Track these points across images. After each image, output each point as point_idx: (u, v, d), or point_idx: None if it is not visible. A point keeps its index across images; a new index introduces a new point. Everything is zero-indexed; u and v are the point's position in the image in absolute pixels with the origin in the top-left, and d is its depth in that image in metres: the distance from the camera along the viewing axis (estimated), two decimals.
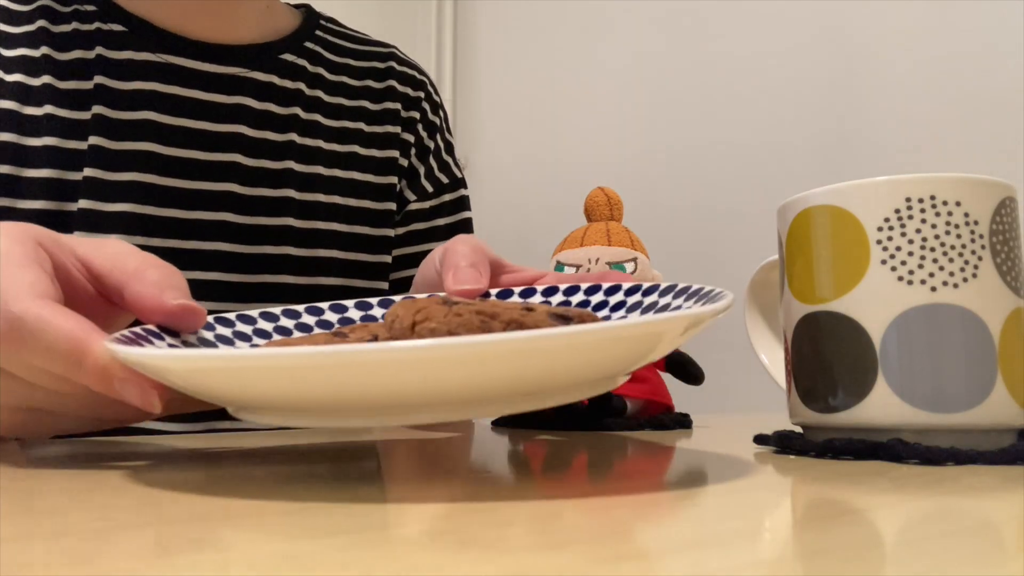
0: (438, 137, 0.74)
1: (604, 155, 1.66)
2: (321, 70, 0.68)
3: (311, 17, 0.72)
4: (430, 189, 0.72)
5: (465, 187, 0.75)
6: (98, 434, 0.54)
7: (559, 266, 0.56)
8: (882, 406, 0.33)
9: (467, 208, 0.75)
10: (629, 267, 0.54)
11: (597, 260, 0.54)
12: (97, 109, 0.58)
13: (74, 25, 0.60)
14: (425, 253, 0.70)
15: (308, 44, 0.69)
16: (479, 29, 1.94)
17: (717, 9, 1.51)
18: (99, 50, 0.60)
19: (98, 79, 0.59)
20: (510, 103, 1.86)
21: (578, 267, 0.55)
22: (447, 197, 0.73)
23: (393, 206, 0.69)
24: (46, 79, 0.58)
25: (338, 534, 0.17)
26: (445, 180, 0.73)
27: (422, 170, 0.72)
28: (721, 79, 1.49)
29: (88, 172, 0.57)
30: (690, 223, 1.50)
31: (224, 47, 0.64)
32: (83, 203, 0.56)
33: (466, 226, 0.74)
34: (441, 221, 0.72)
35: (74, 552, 0.16)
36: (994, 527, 0.19)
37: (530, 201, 1.77)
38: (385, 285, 0.69)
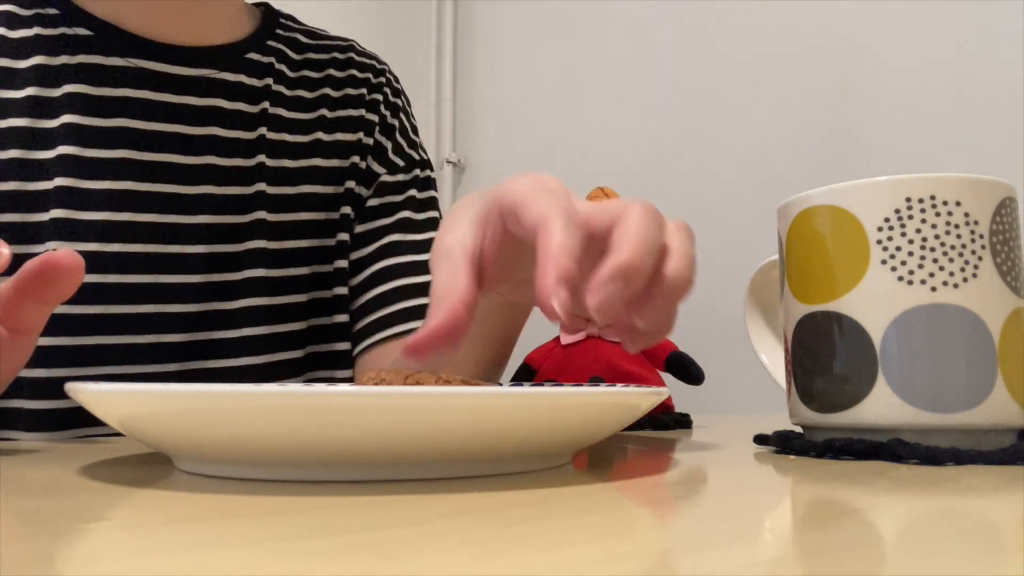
0: (402, 116, 0.74)
1: (603, 155, 1.66)
2: (284, 67, 0.68)
3: (270, 15, 0.72)
4: (400, 163, 0.72)
5: (432, 169, 0.75)
6: (99, 433, 0.54)
7: None
8: (882, 406, 0.33)
9: (435, 188, 0.74)
10: None
11: None
12: (68, 118, 0.57)
13: (36, 30, 0.59)
14: (401, 222, 0.70)
15: (271, 42, 0.69)
16: (479, 29, 1.94)
17: (717, 9, 1.51)
18: (64, 58, 0.59)
19: (67, 87, 0.58)
20: (509, 103, 1.86)
21: None
22: (418, 172, 0.73)
23: (352, 184, 0.69)
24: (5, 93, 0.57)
25: (337, 534, 0.17)
26: (416, 157, 0.73)
27: (389, 146, 0.72)
28: (721, 79, 1.49)
29: (60, 181, 0.56)
30: (690, 223, 1.50)
31: (192, 49, 0.63)
32: (56, 212, 0.56)
33: (433, 203, 0.74)
34: (415, 193, 0.71)
35: (74, 552, 0.16)
36: (994, 527, 0.19)
37: None
38: (344, 264, 0.68)
